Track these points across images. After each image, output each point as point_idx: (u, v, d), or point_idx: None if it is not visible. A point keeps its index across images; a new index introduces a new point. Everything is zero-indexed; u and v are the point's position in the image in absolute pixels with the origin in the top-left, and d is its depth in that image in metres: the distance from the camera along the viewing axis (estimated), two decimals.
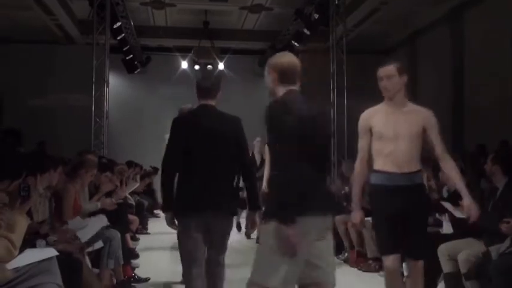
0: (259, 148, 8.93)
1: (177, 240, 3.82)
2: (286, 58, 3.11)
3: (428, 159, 6.48)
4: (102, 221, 5.25)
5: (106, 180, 6.39)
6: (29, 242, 3.77)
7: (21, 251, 3.44)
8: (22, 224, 3.42)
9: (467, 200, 3.69)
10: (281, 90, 3.02)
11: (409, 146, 3.74)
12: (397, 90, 3.76)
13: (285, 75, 3.03)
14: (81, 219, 5.16)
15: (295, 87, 3.06)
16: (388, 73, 3.73)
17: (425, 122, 3.76)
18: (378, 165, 3.80)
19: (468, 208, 3.70)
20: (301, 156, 2.74)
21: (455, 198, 5.10)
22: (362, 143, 3.88)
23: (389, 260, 3.76)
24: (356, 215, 3.97)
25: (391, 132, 3.74)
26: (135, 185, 8.89)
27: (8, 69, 14.27)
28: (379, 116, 3.83)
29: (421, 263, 3.83)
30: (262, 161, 9.87)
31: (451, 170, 3.80)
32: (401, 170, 3.71)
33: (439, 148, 3.77)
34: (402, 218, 3.72)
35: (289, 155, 2.75)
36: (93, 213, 5.58)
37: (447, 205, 5.14)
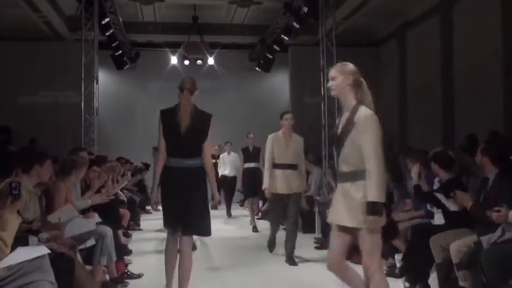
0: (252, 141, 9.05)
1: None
2: None
3: (418, 153, 6.52)
4: (93, 221, 5.23)
5: (94, 176, 6.36)
6: (20, 239, 3.75)
7: (12, 249, 3.43)
8: (13, 223, 3.40)
9: None
10: None
11: None
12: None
13: None
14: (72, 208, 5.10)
15: None
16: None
17: None
18: None
19: None
20: None
21: (446, 188, 5.14)
22: None
23: None
24: None
25: None
26: (126, 182, 8.87)
27: None
28: None
29: None
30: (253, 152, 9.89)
31: None
32: None
33: None
34: None
35: None
36: (83, 211, 5.56)
37: (440, 196, 5.16)
